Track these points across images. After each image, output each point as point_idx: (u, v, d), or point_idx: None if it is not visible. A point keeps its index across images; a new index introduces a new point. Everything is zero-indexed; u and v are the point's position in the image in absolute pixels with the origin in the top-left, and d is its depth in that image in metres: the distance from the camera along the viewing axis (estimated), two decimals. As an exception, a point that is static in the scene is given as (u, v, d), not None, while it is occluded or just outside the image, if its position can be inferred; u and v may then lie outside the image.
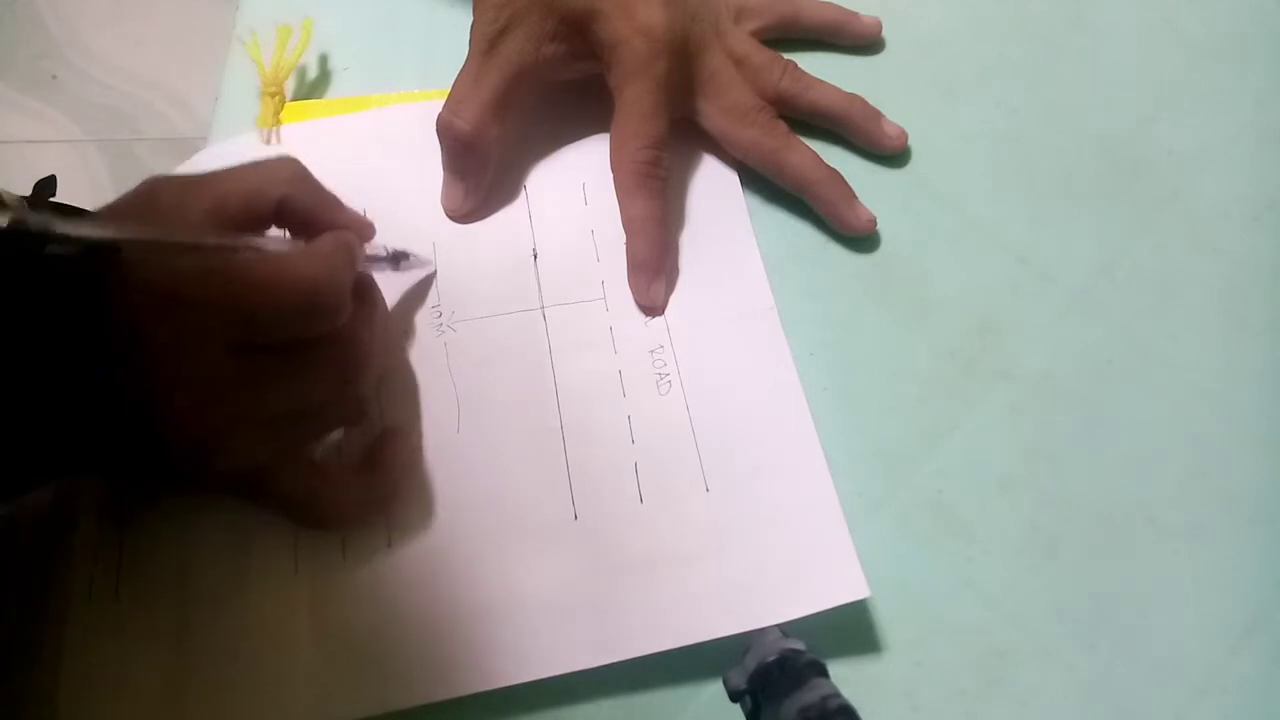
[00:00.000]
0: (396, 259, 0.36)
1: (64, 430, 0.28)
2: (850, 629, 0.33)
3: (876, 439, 0.36)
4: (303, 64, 0.44)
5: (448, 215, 0.40)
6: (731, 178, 0.41)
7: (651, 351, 0.37)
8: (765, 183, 0.41)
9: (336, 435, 0.35)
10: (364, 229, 0.35)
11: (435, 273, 0.38)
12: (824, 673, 0.27)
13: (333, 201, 0.34)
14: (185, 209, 0.30)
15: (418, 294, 0.38)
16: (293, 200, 0.32)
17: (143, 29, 1.42)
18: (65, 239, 0.25)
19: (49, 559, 0.33)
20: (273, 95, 0.42)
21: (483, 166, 0.39)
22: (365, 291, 0.34)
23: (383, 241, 0.36)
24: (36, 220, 0.25)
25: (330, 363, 0.31)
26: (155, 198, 0.30)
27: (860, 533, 0.33)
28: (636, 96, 0.38)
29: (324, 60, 0.45)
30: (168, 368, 0.28)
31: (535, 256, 0.39)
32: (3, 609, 0.32)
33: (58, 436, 0.28)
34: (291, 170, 0.33)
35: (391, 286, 0.37)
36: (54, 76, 1.38)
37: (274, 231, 0.33)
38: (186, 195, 0.31)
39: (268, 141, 0.41)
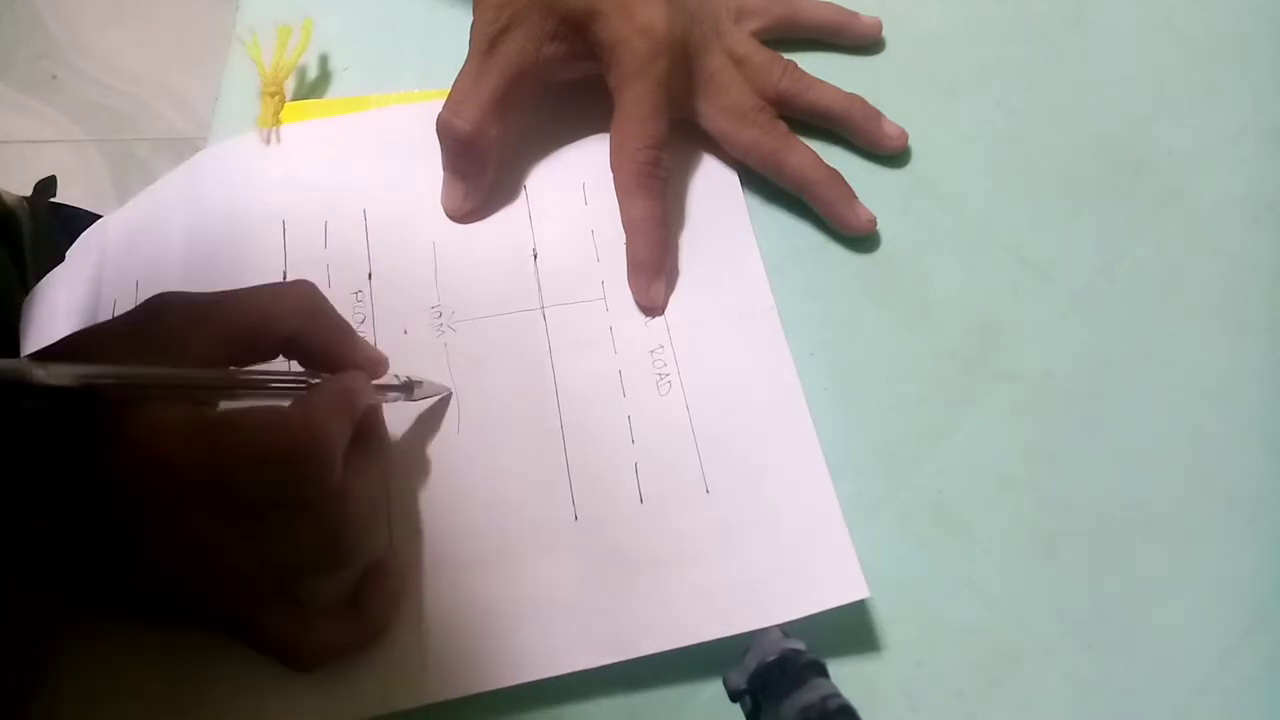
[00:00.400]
0: (410, 388, 0.34)
1: (33, 567, 0.27)
2: (850, 629, 0.33)
3: (876, 439, 0.36)
4: (303, 64, 0.44)
5: (448, 215, 0.40)
6: (731, 178, 0.41)
7: (651, 351, 0.37)
8: (765, 183, 0.41)
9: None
10: (376, 364, 0.34)
11: (451, 395, 0.36)
12: (824, 673, 0.27)
13: (346, 334, 0.33)
14: (190, 337, 0.29)
15: (433, 419, 0.36)
16: (304, 335, 0.31)
17: (143, 29, 1.42)
18: (43, 390, 0.24)
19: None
20: (273, 95, 0.42)
21: (483, 166, 0.39)
22: (366, 436, 0.32)
23: (395, 370, 0.34)
24: (8, 369, 0.24)
25: (317, 523, 0.29)
26: (161, 321, 0.29)
27: (860, 533, 0.33)
28: (636, 96, 0.38)
29: (324, 60, 0.45)
30: (144, 526, 0.27)
31: (535, 256, 0.39)
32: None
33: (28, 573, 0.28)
34: (306, 301, 0.32)
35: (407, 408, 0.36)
36: (54, 76, 1.39)
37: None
38: (193, 322, 0.29)
39: (267, 141, 0.41)
